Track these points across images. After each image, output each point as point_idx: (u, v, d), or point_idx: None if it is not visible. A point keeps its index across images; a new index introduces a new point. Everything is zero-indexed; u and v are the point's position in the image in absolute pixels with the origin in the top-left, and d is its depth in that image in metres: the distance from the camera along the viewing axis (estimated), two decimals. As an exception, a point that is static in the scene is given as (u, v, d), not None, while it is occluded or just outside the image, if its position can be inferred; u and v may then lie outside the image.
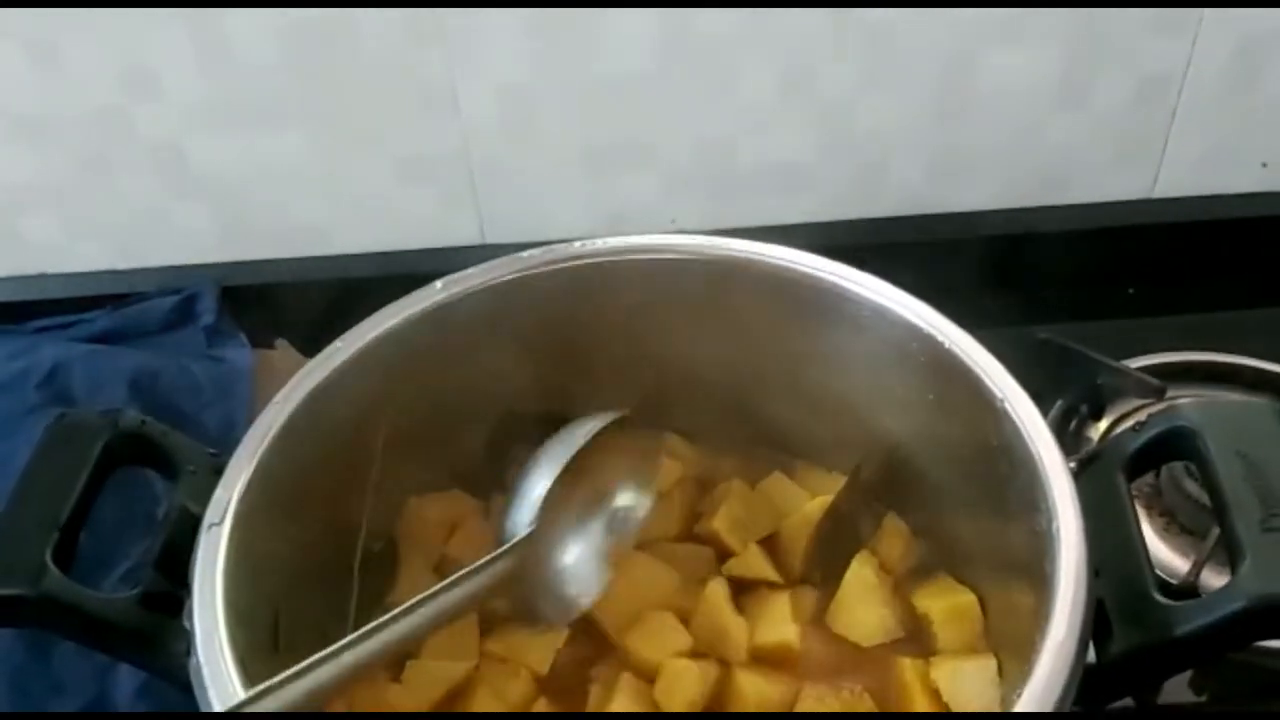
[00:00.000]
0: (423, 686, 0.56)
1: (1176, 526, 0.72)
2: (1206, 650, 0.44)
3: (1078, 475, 0.50)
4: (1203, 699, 0.65)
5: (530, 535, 0.54)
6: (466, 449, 0.63)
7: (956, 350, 0.54)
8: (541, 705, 0.56)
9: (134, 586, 0.49)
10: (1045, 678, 0.43)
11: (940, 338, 0.55)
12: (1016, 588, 0.52)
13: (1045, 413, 0.52)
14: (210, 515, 0.49)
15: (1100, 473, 0.50)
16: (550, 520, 0.55)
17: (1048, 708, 0.42)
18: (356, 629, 0.57)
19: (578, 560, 0.58)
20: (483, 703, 0.55)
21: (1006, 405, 0.51)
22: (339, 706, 0.55)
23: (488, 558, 0.53)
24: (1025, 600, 0.51)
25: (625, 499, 0.61)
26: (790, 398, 0.64)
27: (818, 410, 0.64)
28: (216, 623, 0.46)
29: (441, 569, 0.61)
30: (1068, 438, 0.77)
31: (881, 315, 0.57)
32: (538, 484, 0.55)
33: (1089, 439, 0.77)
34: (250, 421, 0.54)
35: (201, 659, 0.45)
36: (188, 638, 0.46)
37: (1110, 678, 0.45)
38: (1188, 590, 0.65)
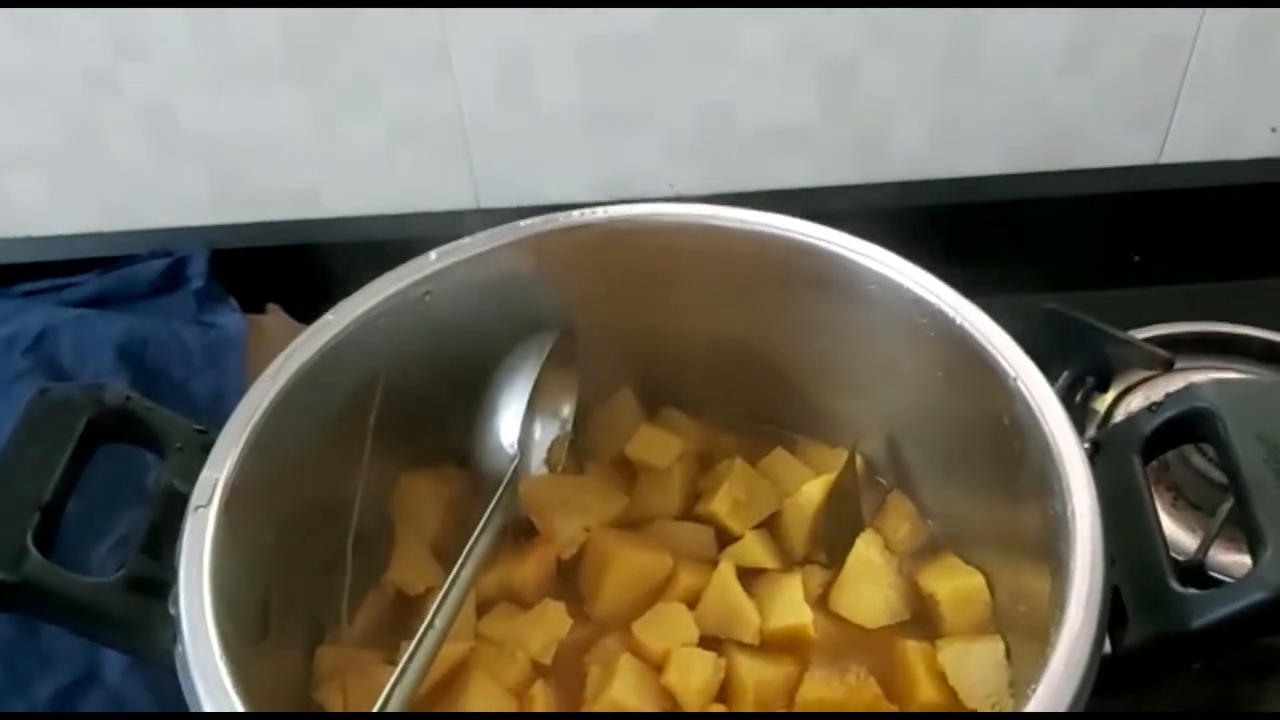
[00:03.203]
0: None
1: (1184, 501, 0.71)
2: (1225, 642, 0.43)
3: (1091, 457, 0.48)
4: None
5: (518, 463, 0.58)
6: (459, 422, 0.61)
7: (967, 326, 0.52)
8: (539, 689, 0.55)
9: (124, 558, 0.48)
10: (1061, 671, 0.41)
11: (950, 313, 0.53)
12: (1027, 570, 0.51)
13: (1051, 383, 0.51)
14: (197, 498, 0.48)
15: (1114, 454, 0.49)
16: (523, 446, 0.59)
17: (1064, 702, 0.41)
18: (351, 609, 0.56)
19: (536, 466, 0.63)
20: (479, 686, 0.54)
21: (1019, 384, 0.50)
22: (334, 692, 0.54)
23: (496, 497, 0.56)
24: (1036, 583, 0.50)
25: (565, 409, 0.65)
26: (794, 371, 0.63)
27: (822, 385, 0.62)
28: (203, 611, 0.44)
29: (438, 546, 0.60)
30: (1074, 409, 0.75)
31: (889, 288, 0.56)
32: (511, 414, 0.58)
33: (1095, 411, 0.75)
34: (243, 388, 0.52)
35: (188, 649, 0.43)
36: (174, 625, 0.45)
37: (1125, 668, 0.44)
38: (1195, 568, 0.64)
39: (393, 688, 0.47)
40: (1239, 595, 0.42)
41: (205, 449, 0.50)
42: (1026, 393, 0.50)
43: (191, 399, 0.76)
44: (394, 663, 0.55)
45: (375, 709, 0.47)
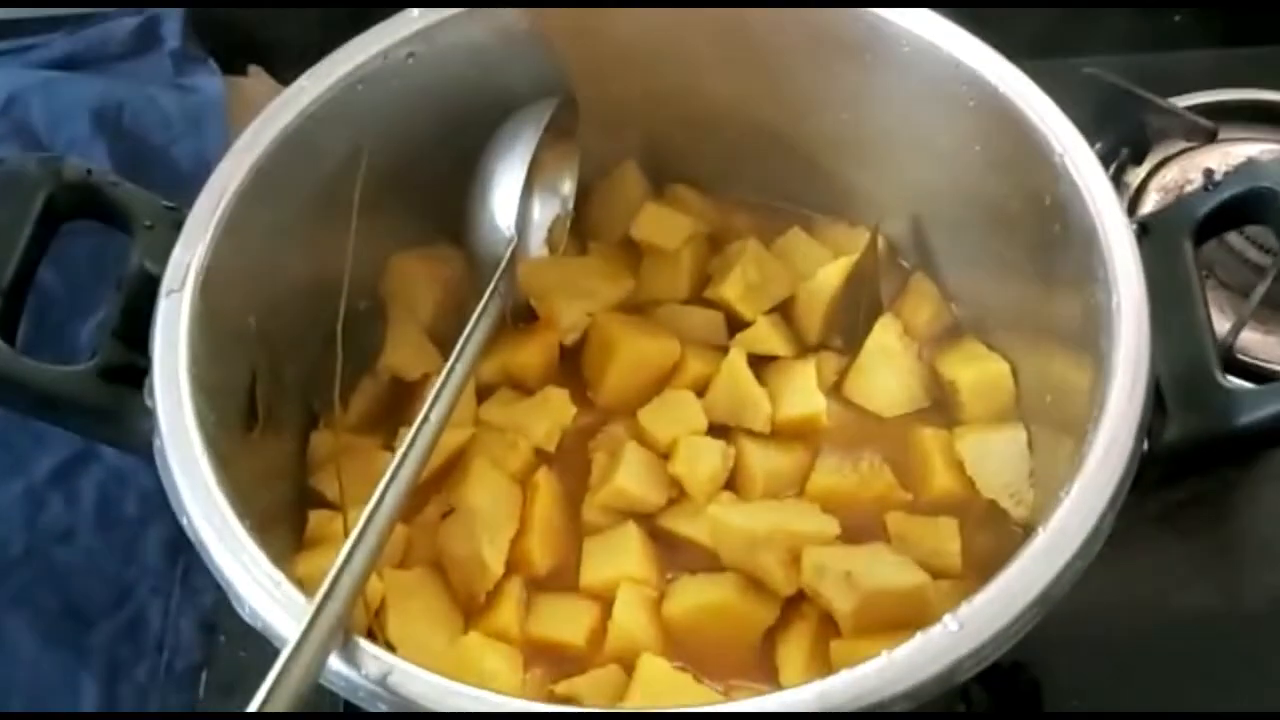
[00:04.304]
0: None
1: (1214, 280, 0.68)
2: (1271, 441, 0.41)
3: (1139, 239, 0.45)
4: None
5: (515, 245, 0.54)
6: (452, 198, 0.57)
7: (1012, 95, 0.48)
8: (542, 475, 0.53)
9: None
10: (1097, 468, 0.40)
11: (993, 80, 0.49)
12: (1058, 358, 0.49)
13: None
14: (169, 281, 0.45)
15: (1164, 238, 0.46)
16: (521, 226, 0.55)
17: (1101, 502, 0.39)
18: (344, 395, 0.54)
19: (536, 248, 0.59)
20: (480, 473, 0.52)
21: (1066, 160, 0.47)
22: (330, 478, 0.52)
23: (493, 283, 0.52)
24: (1067, 373, 0.48)
25: (565, 186, 0.60)
26: (815, 144, 0.59)
27: (845, 159, 0.59)
28: (181, 402, 0.42)
29: (434, 330, 0.58)
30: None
31: (925, 53, 0.51)
32: (507, 192, 0.54)
33: (1128, 184, 0.72)
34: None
35: (166, 443, 0.41)
36: (151, 416, 0.42)
37: (1163, 464, 0.42)
38: (1224, 352, 0.62)
39: (391, 476, 0.45)
40: (1292, 392, 0.40)
41: (178, 227, 0.47)
42: (1074, 171, 0.46)
43: (174, 166, 0.74)
44: (391, 448, 0.54)
45: (374, 498, 0.45)
